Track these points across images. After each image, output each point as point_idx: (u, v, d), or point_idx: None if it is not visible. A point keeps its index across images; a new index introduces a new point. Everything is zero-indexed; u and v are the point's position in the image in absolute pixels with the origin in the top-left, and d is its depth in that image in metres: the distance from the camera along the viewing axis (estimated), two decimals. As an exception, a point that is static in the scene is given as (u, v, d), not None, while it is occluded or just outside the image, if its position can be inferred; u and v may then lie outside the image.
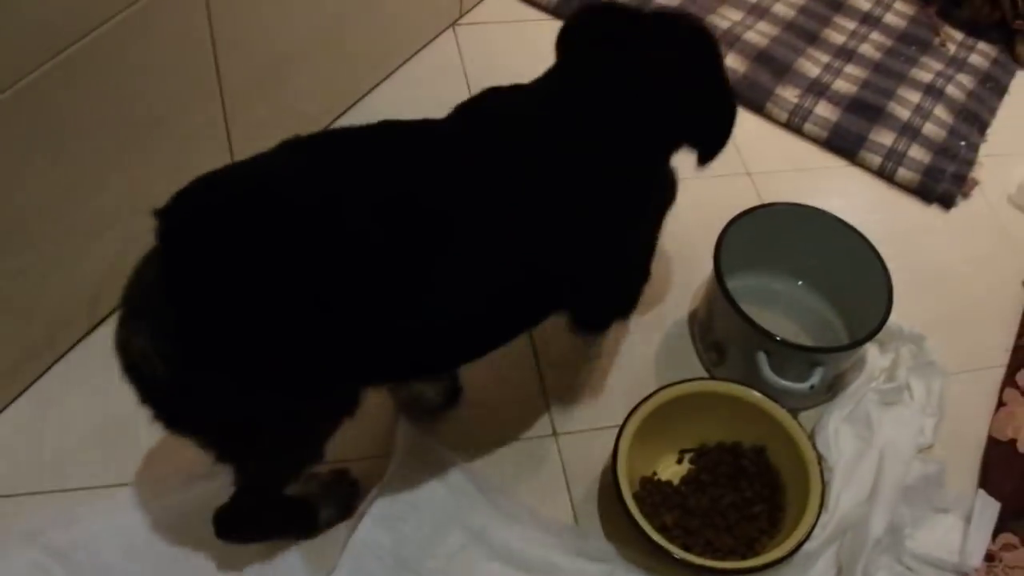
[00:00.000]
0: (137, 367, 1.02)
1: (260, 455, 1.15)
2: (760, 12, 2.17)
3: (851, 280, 1.56)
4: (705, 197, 1.77)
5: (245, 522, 1.24)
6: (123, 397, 1.03)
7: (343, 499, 1.34)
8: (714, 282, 1.47)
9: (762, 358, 1.42)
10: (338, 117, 1.78)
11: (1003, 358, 1.68)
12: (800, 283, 1.64)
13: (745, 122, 1.89)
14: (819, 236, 1.58)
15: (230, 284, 0.99)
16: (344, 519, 1.33)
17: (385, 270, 1.03)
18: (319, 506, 1.31)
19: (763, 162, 1.88)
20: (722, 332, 1.50)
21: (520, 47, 1.94)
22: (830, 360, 1.45)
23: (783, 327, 1.59)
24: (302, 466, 1.20)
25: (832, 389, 1.52)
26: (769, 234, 1.58)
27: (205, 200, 1.02)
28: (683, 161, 1.33)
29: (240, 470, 1.17)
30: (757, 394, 1.39)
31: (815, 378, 1.42)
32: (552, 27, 1.30)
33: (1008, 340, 1.70)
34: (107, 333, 1.06)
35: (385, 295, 1.04)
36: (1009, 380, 1.64)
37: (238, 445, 1.12)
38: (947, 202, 1.87)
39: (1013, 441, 1.56)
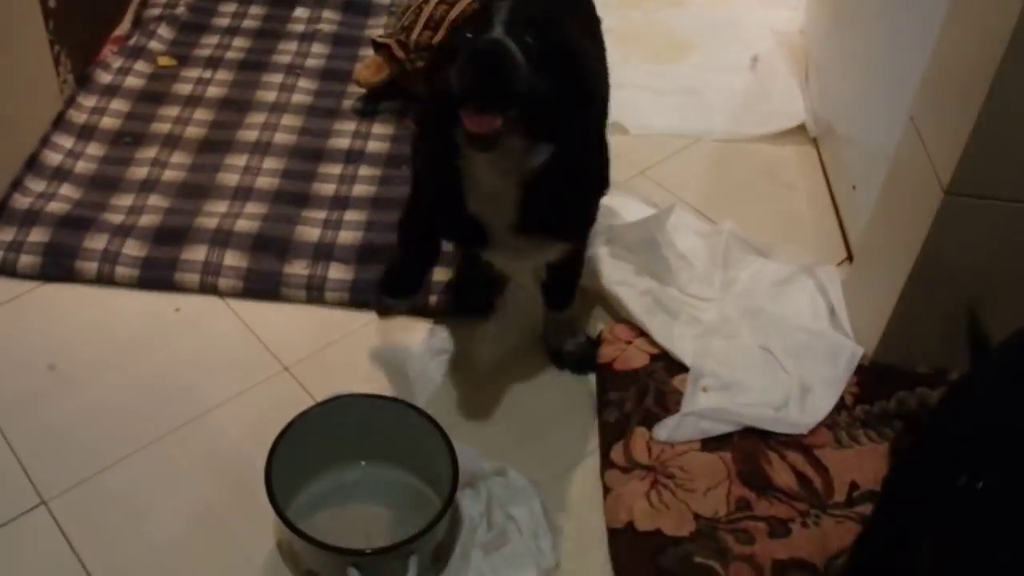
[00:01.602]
0: None
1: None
2: (244, 194, 2.07)
3: (411, 442, 1.51)
4: (250, 409, 1.68)
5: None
6: None
7: None
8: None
9: (354, 573, 1.33)
10: None
11: (592, 443, 1.67)
12: (363, 463, 1.56)
13: (267, 313, 1.85)
14: (364, 415, 1.54)
15: None
16: None
17: None
18: None
19: (296, 350, 1.80)
20: (308, 560, 1.42)
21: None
22: (423, 543, 1.38)
23: (375, 514, 1.52)
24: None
25: (439, 558, 1.45)
26: (318, 433, 1.50)
27: None
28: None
29: None
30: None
31: (413, 568, 1.35)
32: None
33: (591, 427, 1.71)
34: None
35: None
36: (606, 462, 1.63)
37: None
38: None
39: (631, 524, 1.54)
